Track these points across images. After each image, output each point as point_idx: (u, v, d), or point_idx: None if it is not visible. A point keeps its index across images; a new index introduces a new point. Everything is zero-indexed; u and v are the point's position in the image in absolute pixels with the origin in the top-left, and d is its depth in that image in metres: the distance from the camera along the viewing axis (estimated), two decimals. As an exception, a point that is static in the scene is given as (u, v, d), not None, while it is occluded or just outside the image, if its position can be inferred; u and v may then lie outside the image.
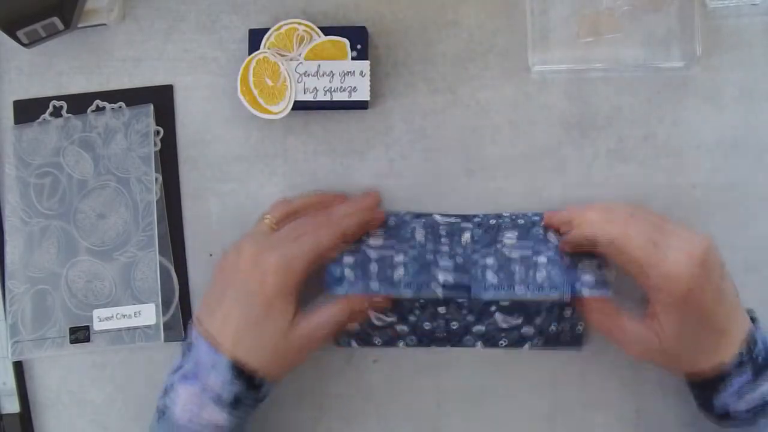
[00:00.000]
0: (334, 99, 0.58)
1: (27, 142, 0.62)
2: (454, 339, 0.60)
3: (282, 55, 0.59)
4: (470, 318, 0.59)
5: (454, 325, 0.59)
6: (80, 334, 0.60)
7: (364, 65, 0.59)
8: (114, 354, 0.62)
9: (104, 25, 0.61)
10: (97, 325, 0.60)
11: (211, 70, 0.62)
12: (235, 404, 0.52)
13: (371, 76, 0.59)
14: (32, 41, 0.57)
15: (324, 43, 0.59)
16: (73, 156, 0.61)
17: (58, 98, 0.62)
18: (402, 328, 0.59)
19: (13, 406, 0.62)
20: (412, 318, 0.59)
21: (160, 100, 0.62)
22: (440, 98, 0.61)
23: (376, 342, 0.60)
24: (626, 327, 0.54)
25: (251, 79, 0.59)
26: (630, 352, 0.54)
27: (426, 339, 0.60)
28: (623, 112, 0.60)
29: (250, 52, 0.59)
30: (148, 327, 0.60)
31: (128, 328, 0.60)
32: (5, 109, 0.62)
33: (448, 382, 0.61)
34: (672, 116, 0.60)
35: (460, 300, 0.58)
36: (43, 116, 0.62)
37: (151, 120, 0.61)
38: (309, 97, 0.58)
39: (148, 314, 0.60)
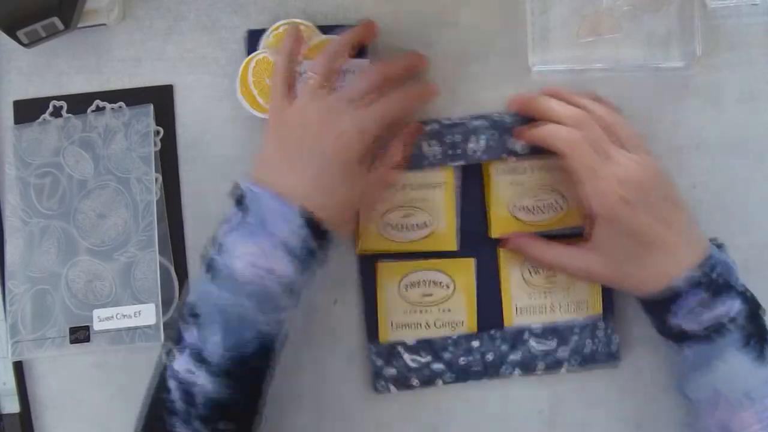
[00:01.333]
0: None
1: (27, 142, 0.62)
2: (491, 370, 0.60)
3: None
4: (504, 347, 0.59)
5: (489, 356, 0.59)
6: (80, 334, 0.60)
7: (364, 64, 0.59)
8: (114, 354, 0.62)
9: (104, 25, 0.61)
10: (97, 325, 0.60)
11: (211, 70, 0.62)
12: (304, 256, 0.51)
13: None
14: (32, 41, 0.57)
15: (323, 41, 0.59)
16: (73, 156, 0.61)
17: (58, 98, 0.62)
18: (438, 366, 0.59)
19: (13, 406, 0.62)
20: (446, 355, 0.59)
21: (160, 100, 0.62)
22: (440, 98, 0.61)
23: (414, 384, 0.60)
24: (560, 251, 0.57)
25: (251, 79, 0.59)
26: (575, 274, 0.57)
27: (463, 374, 0.60)
28: (623, 112, 0.60)
29: (249, 53, 0.59)
30: (149, 327, 0.60)
31: (128, 328, 0.60)
32: (5, 109, 0.62)
33: (448, 387, 0.61)
34: (672, 116, 0.60)
35: (492, 330, 0.59)
36: (43, 116, 0.62)
37: (151, 120, 0.61)
38: None
39: (148, 314, 0.60)
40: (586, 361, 0.59)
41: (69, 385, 0.62)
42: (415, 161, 0.58)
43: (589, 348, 0.59)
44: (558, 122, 0.55)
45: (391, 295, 0.60)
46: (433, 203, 0.59)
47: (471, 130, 0.58)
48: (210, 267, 0.51)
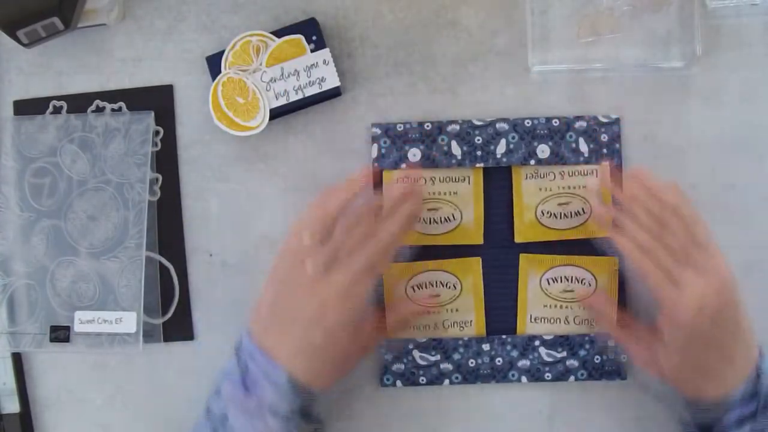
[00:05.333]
0: (307, 95, 0.59)
1: (26, 134, 0.62)
2: (499, 375, 0.60)
3: (244, 71, 0.59)
4: (515, 353, 0.59)
5: (499, 361, 0.59)
6: (60, 334, 0.60)
7: (325, 54, 0.59)
8: (114, 354, 0.62)
9: (104, 25, 0.61)
10: (77, 327, 0.60)
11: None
12: (290, 418, 0.52)
13: (371, 75, 0.60)
14: (32, 41, 0.57)
15: (280, 45, 0.59)
16: (70, 155, 0.61)
17: (58, 98, 0.62)
18: (446, 366, 0.60)
19: (13, 406, 0.62)
20: (456, 356, 0.59)
21: (160, 100, 0.62)
22: (440, 98, 0.61)
23: (421, 381, 0.60)
24: (634, 337, 0.56)
25: (222, 102, 0.59)
26: (635, 354, 0.56)
27: (471, 376, 0.60)
28: (623, 112, 0.60)
29: (213, 79, 0.59)
30: (128, 335, 0.60)
31: (108, 334, 0.60)
32: (5, 109, 0.62)
33: (451, 386, 0.61)
34: (672, 116, 0.60)
35: (504, 336, 0.59)
36: (42, 116, 0.62)
37: (151, 121, 0.61)
38: (282, 101, 0.59)
39: (129, 322, 0.60)
40: (593, 374, 0.59)
41: (69, 385, 0.62)
42: (441, 160, 0.59)
43: (597, 362, 0.59)
44: (632, 228, 0.54)
45: (399, 297, 0.60)
46: (461, 196, 0.59)
47: (496, 132, 0.59)
48: (208, 409, 0.54)
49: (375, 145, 0.60)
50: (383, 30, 0.61)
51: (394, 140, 0.60)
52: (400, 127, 0.60)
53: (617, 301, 0.59)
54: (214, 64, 0.60)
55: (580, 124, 0.59)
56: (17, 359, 0.62)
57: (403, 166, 0.59)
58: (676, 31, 0.59)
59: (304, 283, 0.53)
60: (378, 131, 0.60)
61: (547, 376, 0.59)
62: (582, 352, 0.59)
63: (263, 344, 0.53)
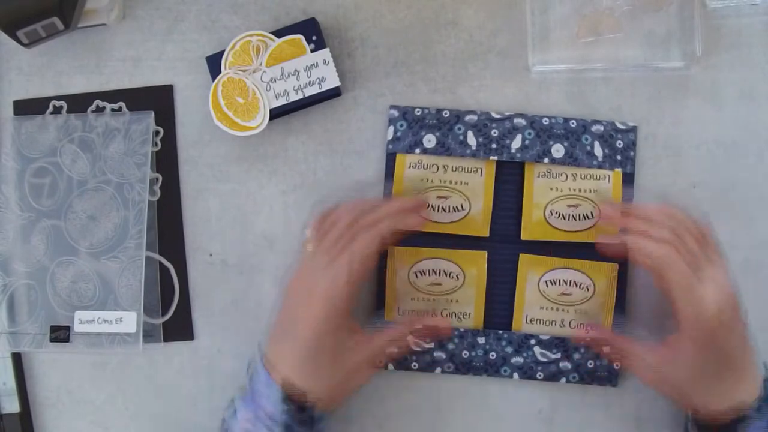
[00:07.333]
0: (307, 95, 0.59)
1: (26, 134, 0.62)
2: (491, 369, 0.60)
3: (244, 71, 0.59)
4: (509, 349, 0.59)
5: (493, 355, 0.59)
6: (60, 334, 0.61)
7: (325, 54, 0.59)
8: (114, 354, 0.62)
9: (104, 25, 0.61)
10: (77, 327, 0.61)
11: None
12: (289, 424, 0.52)
13: (371, 75, 0.60)
14: (32, 41, 0.57)
15: (280, 45, 0.59)
16: (70, 155, 0.61)
17: (58, 98, 0.62)
18: (440, 354, 0.60)
19: (13, 406, 0.62)
20: (450, 346, 0.60)
21: (160, 100, 0.62)
22: (440, 98, 0.61)
23: (413, 366, 0.60)
24: (638, 353, 0.55)
25: (222, 103, 0.59)
26: (643, 379, 0.56)
27: (463, 367, 0.60)
28: (623, 112, 0.60)
29: (213, 79, 0.59)
30: (128, 335, 0.60)
31: (108, 334, 0.60)
32: (5, 109, 0.62)
33: (449, 381, 0.61)
34: (672, 116, 0.60)
35: (500, 331, 0.59)
36: (42, 116, 0.62)
37: (151, 121, 0.61)
38: (282, 101, 0.59)
39: (129, 322, 0.60)
40: (585, 378, 0.59)
41: (69, 385, 0.62)
42: (456, 149, 0.59)
43: (590, 366, 0.59)
44: (648, 229, 0.53)
45: (400, 282, 0.60)
46: (472, 187, 0.59)
47: (513, 127, 0.59)
48: (223, 419, 0.55)
49: (391, 128, 0.60)
50: (383, 30, 0.61)
51: (410, 124, 0.59)
52: (418, 112, 0.60)
53: (613, 308, 0.59)
54: (214, 64, 0.60)
55: (597, 128, 0.59)
56: (17, 359, 0.62)
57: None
58: (676, 31, 0.59)
59: (296, 286, 0.54)
60: (395, 113, 0.60)
61: (539, 376, 0.59)
62: (576, 356, 0.59)
63: (268, 355, 0.54)
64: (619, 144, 0.59)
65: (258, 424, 0.52)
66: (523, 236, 0.59)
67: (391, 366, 0.60)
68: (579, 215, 0.59)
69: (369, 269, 0.54)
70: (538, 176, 0.59)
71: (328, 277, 0.52)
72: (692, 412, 0.54)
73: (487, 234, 0.60)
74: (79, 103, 0.62)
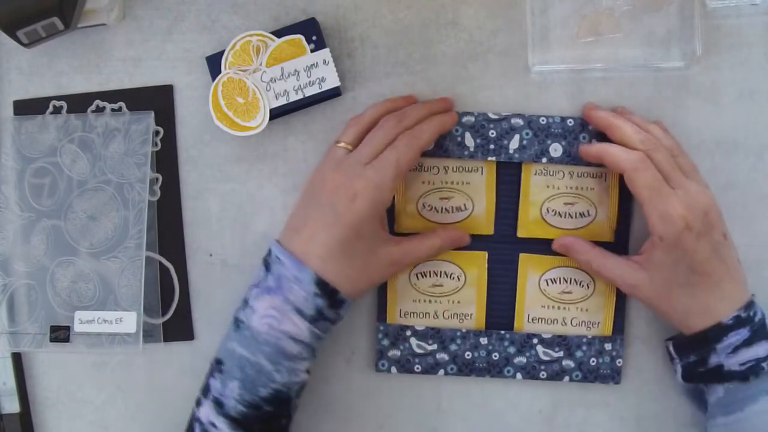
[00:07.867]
0: (307, 95, 0.59)
1: (26, 134, 0.62)
2: (494, 370, 0.60)
3: (244, 71, 0.59)
4: (512, 349, 0.59)
5: (495, 356, 0.60)
6: (61, 334, 0.61)
7: (325, 54, 0.59)
8: (114, 354, 0.62)
9: (104, 25, 0.61)
10: (77, 327, 0.61)
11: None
12: (316, 318, 0.53)
13: (371, 75, 0.59)
14: (32, 41, 0.57)
15: (280, 45, 0.59)
16: (70, 155, 0.61)
17: (58, 98, 0.62)
18: (443, 356, 0.60)
19: (13, 406, 0.62)
20: (453, 347, 0.60)
21: (160, 100, 0.62)
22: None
23: (416, 369, 0.60)
24: (611, 264, 0.56)
25: (222, 102, 0.59)
26: (620, 287, 0.56)
27: (466, 368, 0.60)
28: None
29: (213, 79, 0.59)
30: (128, 335, 0.60)
31: (108, 334, 0.60)
32: (5, 109, 0.62)
33: (449, 381, 0.61)
34: (672, 116, 0.60)
35: (502, 331, 0.59)
36: (42, 117, 0.62)
37: (151, 121, 0.61)
38: (282, 101, 0.59)
39: (129, 322, 0.60)
40: (588, 376, 0.59)
41: (69, 385, 0.62)
42: (454, 150, 0.59)
43: (593, 364, 0.59)
44: (625, 141, 0.55)
45: (402, 283, 0.60)
46: (474, 186, 0.60)
47: (510, 127, 0.59)
48: (236, 324, 0.55)
49: None
50: (383, 30, 0.61)
51: None
52: None
53: (615, 306, 0.60)
54: (214, 64, 0.60)
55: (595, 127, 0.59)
56: (17, 359, 0.62)
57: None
58: (676, 31, 0.59)
59: (333, 182, 0.54)
60: None
61: (542, 375, 0.59)
62: (578, 353, 0.59)
63: (292, 250, 0.54)
64: None
65: (285, 308, 0.52)
66: (520, 233, 0.60)
67: (394, 369, 0.60)
68: (576, 213, 0.59)
69: (406, 172, 0.56)
70: (535, 174, 0.59)
71: (374, 172, 0.53)
72: (679, 332, 0.55)
73: (491, 231, 0.60)
74: (79, 103, 0.62)
